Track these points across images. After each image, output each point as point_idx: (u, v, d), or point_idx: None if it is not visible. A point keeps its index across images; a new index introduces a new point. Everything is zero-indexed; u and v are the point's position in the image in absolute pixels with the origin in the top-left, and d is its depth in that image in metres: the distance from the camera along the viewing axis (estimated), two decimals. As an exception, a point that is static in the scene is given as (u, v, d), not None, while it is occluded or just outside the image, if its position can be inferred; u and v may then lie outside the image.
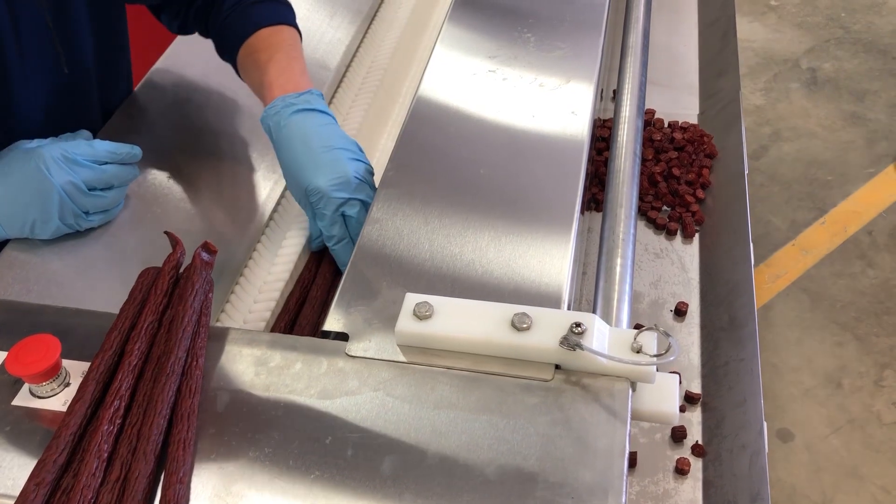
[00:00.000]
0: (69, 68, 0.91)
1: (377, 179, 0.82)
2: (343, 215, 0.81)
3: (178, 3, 1.01)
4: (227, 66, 1.01)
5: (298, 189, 0.83)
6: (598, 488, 0.54)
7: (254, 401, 0.61)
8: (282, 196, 0.94)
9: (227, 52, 0.99)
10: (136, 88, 1.07)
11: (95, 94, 0.98)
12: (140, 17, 1.09)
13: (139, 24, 1.11)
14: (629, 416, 0.59)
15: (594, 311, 0.72)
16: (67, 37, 0.89)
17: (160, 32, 1.10)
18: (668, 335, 0.59)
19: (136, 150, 0.88)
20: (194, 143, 1.00)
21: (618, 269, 0.72)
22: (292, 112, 0.85)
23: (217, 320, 0.81)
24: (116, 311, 0.66)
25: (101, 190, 0.85)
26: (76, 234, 0.85)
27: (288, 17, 0.98)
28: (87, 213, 0.84)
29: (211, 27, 1.00)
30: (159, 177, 0.94)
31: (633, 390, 0.62)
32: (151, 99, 1.05)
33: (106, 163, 0.85)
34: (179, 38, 1.13)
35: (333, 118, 0.88)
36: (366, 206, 0.82)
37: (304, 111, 0.85)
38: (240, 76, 0.99)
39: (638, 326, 1.01)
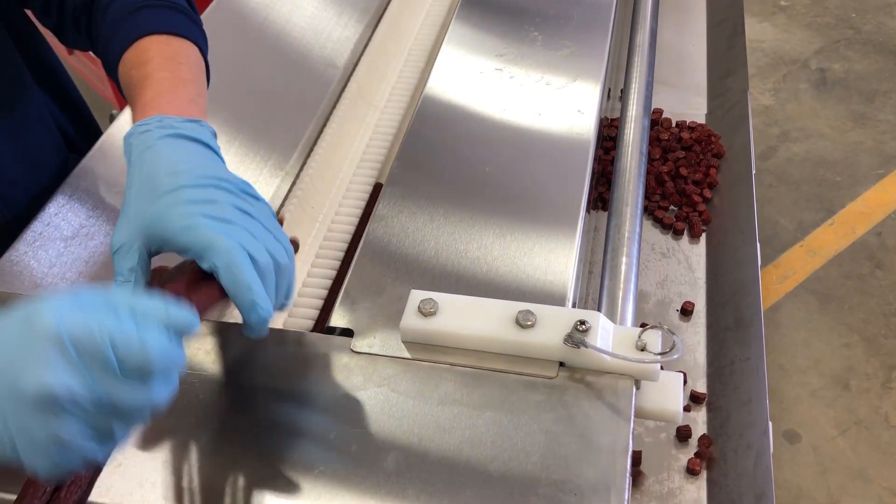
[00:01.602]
0: None
1: (382, 178, 0.82)
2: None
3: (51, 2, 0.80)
4: (228, 67, 1.00)
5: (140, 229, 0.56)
6: (600, 486, 0.55)
7: (258, 396, 0.61)
8: (288, 194, 0.95)
9: (110, 71, 0.74)
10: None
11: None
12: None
13: None
14: (633, 414, 0.59)
15: (599, 310, 0.72)
16: None
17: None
18: (672, 333, 0.59)
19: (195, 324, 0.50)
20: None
21: (623, 267, 0.72)
22: (166, 134, 0.59)
23: (223, 317, 0.81)
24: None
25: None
26: (83, 232, 0.86)
27: (184, 29, 0.72)
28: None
29: (94, 41, 0.78)
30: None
31: (638, 388, 0.62)
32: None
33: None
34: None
35: (221, 159, 0.62)
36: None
37: (182, 137, 0.59)
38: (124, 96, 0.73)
39: (643, 326, 1.02)
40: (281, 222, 0.58)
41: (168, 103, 0.63)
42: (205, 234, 0.53)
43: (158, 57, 0.68)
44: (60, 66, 1.01)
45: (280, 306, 0.58)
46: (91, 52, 0.83)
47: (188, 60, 0.70)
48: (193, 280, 0.55)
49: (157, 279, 0.56)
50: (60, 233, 0.85)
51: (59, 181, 0.90)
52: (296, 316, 0.77)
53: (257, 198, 0.59)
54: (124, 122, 1.02)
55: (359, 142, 1.04)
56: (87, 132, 1.07)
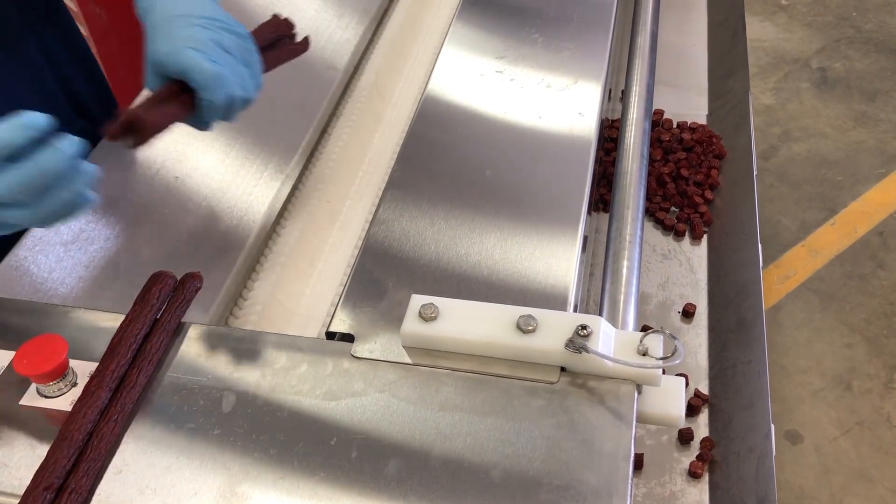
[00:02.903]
0: None
1: (384, 180, 0.82)
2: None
3: None
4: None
5: (150, 67, 0.71)
6: (602, 491, 0.54)
7: (259, 402, 0.61)
8: (290, 196, 0.94)
9: None
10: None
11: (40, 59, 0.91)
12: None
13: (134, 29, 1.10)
14: (635, 419, 0.58)
15: (600, 314, 0.72)
16: None
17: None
18: (674, 338, 0.59)
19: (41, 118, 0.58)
20: (201, 144, 1.00)
21: (624, 271, 0.72)
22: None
23: (225, 322, 0.81)
24: (123, 311, 0.66)
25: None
26: (85, 236, 0.85)
27: None
28: None
29: None
30: (167, 177, 0.95)
31: (639, 393, 0.61)
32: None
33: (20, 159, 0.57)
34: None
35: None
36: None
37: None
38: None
39: (645, 328, 1.01)
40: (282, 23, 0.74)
41: None
42: (184, 57, 0.68)
43: None
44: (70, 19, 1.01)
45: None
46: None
47: None
48: (166, 95, 0.70)
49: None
50: (60, 237, 0.85)
51: None
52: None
53: (238, 32, 0.73)
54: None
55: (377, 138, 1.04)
56: (99, 91, 1.06)
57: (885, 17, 2.98)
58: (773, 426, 0.89)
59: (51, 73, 0.97)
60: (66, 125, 0.94)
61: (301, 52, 0.83)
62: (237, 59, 0.72)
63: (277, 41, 0.82)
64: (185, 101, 0.70)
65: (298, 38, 0.85)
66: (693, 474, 0.91)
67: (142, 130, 0.69)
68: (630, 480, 0.55)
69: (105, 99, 1.07)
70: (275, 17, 0.82)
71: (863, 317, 2.01)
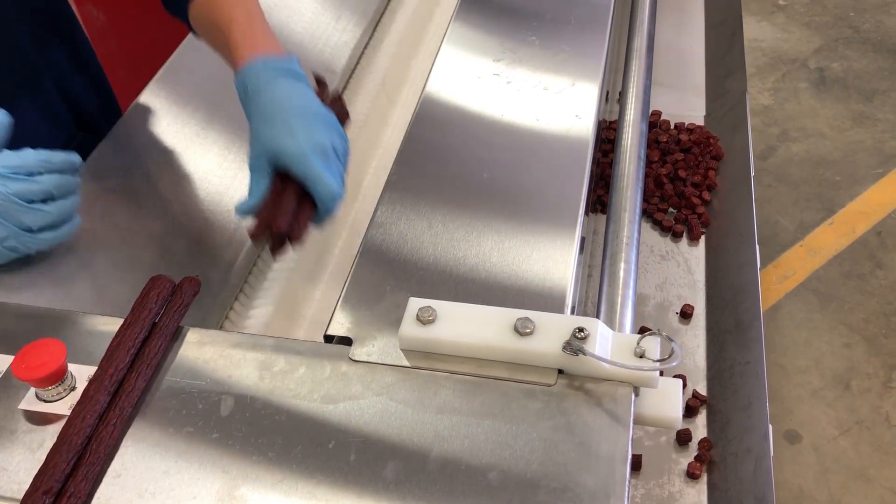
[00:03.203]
0: None
1: (381, 183, 0.82)
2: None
3: None
4: (227, 72, 1.00)
5: (265, 152, 0.75)
6: (600, 493, 0.54)
7: (257, 405, 0.61)
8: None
9: (175, 5, 0.89)
10: (147, 86, 1.07)
11: (47, 78, 0.94)
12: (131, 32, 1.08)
13: (132, 35, 1.10)
14: (632, 421, 0.59)
15: (598, 316, 0.72)
16: None
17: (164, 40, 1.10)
18: (671, 340, 0.59)
19: (75, 158, 0.80)
20: (198, 150, 1.00)
21: (621, 273, 0.72)
22: (272, 76, 0.77)
23: (221, 325, 0.81)
24: (121, 315, 0.66)
25: (42, 202, 0.76)
26: (81, 240, 0.85)
27: None
28: (30, 230, 0.77)
29: None
30: (165, 183, 0.95)
31: (637, 395, 0.62)
32: (154, 106, 1.06)
33: (40, 173, 0.76)
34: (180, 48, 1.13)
35: (309, 85, 0.82)
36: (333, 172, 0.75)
37: (283, 74, 0.77)
38: (193, 32, 0.91)
39: (643, 329, 1.02)
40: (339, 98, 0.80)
41: (258, 42, 0.80)
42: (312, 168, 0.72)
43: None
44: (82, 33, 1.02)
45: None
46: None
47: None
48: (294, 199, 0.74)
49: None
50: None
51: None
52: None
53: (342, 133, 0.78)
54: (120, 125, 1.02)
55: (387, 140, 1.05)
56: (104, 104, 1.07)
57: (882, 17, 2.98)
58: (770, 427, 0.89)
59: (58, 94, 0.98)
60: (68, 140, 0.94)
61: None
62: (342, 163, 0.76)
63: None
64: (309, 206, 0.74)
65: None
66: (691, 475, 0.91)
67: (286, 242, 0.73)
68: (627, 482, 0.55)
69: (108, 109, 1.07)
70: (340, 99, 0.87)
71: (861, 316, 2.01)
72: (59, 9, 0.97)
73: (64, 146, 0.95)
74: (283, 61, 0.78)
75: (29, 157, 0.76)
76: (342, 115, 0.87)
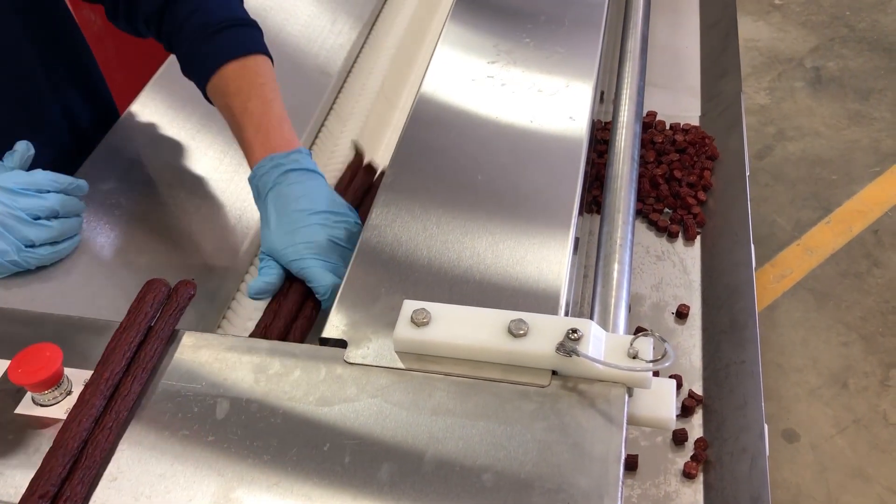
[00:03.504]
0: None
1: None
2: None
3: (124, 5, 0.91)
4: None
5: (269, 252, 0.80)
6: (593, 494, 0.55)
7: (253, 408, 0.61)
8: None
9: (195, 78, 0.90)
10: (142, 90, 1.08)
11: (47, 93, 0.96)
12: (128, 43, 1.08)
13: (128, 46, 1.11)
14: (625, 421, 0.59)
15: (591, 317, 0.72)
16: None
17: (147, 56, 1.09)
18: (664, 340, 0.59)
19: (82, 183, 0.85)
20: (194, 154, 1.00)
21: (615, 274, 0.72)
22: (280, 173, 0.80)
23: (218, 328, 0.81)
24: (117, 319, 0.66)
25: (47, 219, 0.81)
26: (79, 245, 0.86)
27: (257, 44, 0.89)
28: (33, 245, 0.81)
29: (174, 43, 0.90)
30: (161, 188, 0.95)
31: (630, 396, 0.62)
32: (150, 110, 1.06)
33: (48, 191, 0.82)
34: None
35: (321, 175, 0.84)
36: (338, 260, 0.79)
37: (290, 171, 0.81)
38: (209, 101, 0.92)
39: (639, 329, 1.02)
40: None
41: (267, 136, 0.82)
42: (306, 268, 0.77)
43: (246, 86, 0.84)
44: (89, 54, 1.04)
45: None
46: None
47: (266, 78, 0.86)
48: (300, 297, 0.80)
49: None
50: (55, 245, 0.85)
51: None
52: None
53: (349, 221, 0.81)
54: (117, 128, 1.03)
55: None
56: (103, 114, 1.09)
57: (878, 16, 2.99)
58: (766, 426, 0.89)
59: (65, 121, 0.99)
60: (65, 155, 0.96)
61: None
62: (348, 247, 0.80)
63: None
64: (313, 301, 0.79)
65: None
66: (687, 475, 0.91)
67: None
68: (621, 483, 0.55)
69: (107, 120, 1.07)
70: (371, 169, 0.95)
71: (858, 315, 2.02)
72: (63, 21, 0.98)
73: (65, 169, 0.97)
74: (291, 159, 0.81)
75: (39, 176, 0.81)
76: (368, 183, 0.93)
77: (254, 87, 0.84)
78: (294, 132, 0.84)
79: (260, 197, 0.81)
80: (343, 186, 0.96)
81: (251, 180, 0.82)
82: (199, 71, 0.87)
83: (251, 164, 0.83)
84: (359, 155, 1.03)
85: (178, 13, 0.87)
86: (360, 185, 0.96)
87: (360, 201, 0.93)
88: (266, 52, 0.89)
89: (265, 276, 0.78)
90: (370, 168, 1.00)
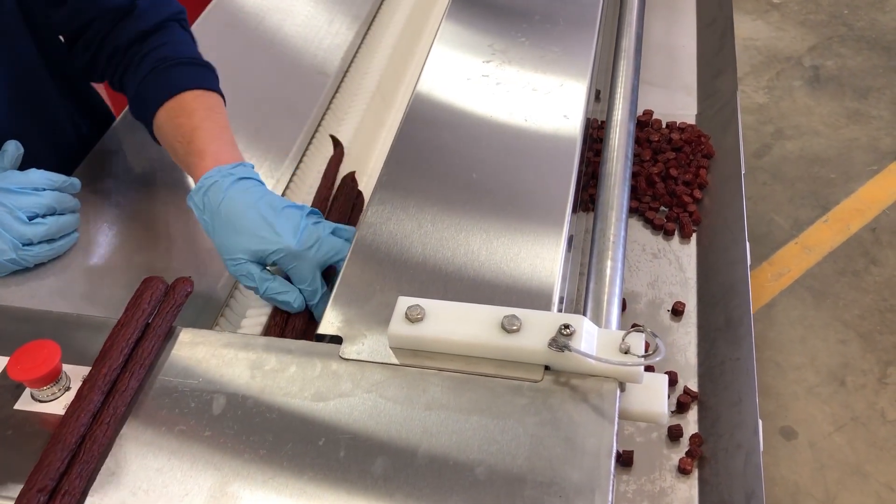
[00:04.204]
0: (17, 69, 0.89)
1: (371, 184, 0.83)
2: (320, 267, 0.78)
3: (90, 36, 0.92)
4: (220, 75, 1.01)
5: (249, 254, 0.77)
6: (585, 487, 0.55)
7: (249, 403, 0.62)
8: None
9: (144, 112, 0.91)
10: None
11: (59, 107, 0.98)
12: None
13: None
14: (616, 416, 0.59)
15: (584, 313, 0.73)
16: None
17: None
18: (655, 336, 0.60)
19: (75, 181, 0.86)
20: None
21: (608, 271, 0.73)
22: (233, 181, 0.79)
23: (215, 325, 0.82)
24: (115, 316, 0.67)
25: (43, 217, 0.83)
26: (77, 242, 0.86)
27: (211, 83, 0.91)
28: (30, 243, 0.82)
29: (127, 83, 0.93)
30: (159, 186, 0.96)
31: (622, 391, 0.63)
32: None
33: (44, 189, 0.83)
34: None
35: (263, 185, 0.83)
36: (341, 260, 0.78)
37: (244, 179, 0.80)
38: (154, 138, 0.92)
39: (634, 327, 1.02)
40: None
41: (220, 149, 0.82)
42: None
43: (201, 109, 0.86)
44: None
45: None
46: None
47: (220, 110, 0.88)
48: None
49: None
50: (54, 244, 0.86)
51: None
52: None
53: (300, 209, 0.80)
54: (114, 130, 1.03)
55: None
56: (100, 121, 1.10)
57: (876, 15, 2.99)
58: (760, 422, 0.90)
59: (65, 115, 1.00)
60: (71, 157, 0.97)
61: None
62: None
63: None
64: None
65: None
66: (682, 470, 0.92)
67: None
68: (612, 476, 0.56)
69: (104, 122, 1.08)
70: (352, 179, 0.99)
71: (856, 313, 2.02)
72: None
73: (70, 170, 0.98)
74: (243, 169, 0.81)
75: (34, 175, 0.83)
76: (352, 193, 0.95)
77: (209, 113, 0.86)
78: (242, 156, 0.85)
79: (208, 207, 0.78)
80: (325, 191, 0.97)
81: (195, 193, 0.80)
82: (153, 98, 0.88)
83: (199, 172, 0.81)
84: (339, 146, 1.03)
85: (145, 47, 0.90)
86: (345, 201, 0.96)
87: (347, 218, 0.94)
88: (221, 94, 0.92)
89: (254, 276, 0.76)
90: (353, 179, 1.00)
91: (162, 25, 0.91)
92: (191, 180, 0.96)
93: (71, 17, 0.91)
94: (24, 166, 0.86)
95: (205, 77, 0.90)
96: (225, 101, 0.91)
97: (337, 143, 1.04)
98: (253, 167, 0.83)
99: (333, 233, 0.79)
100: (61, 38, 0.96)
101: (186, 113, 0.85)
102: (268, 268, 0.78)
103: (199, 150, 0.81)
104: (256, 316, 0.82)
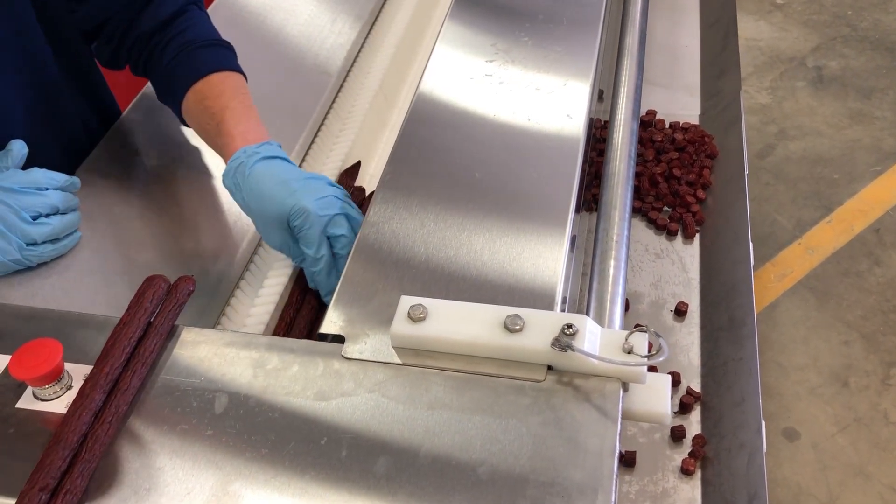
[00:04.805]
0: (36, 75, 0.91)
1: (374, 183, 0.83)
2: (329, 237, 0.79)
3: (112, 28, 0.94)
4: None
5: (276, 221, 0.80)
6: (588, 488, 0.55)
7: (251, 402, 0.62)
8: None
9: (171, 96, 0.94)
10: (143, 89, 1.08)
11: (70, 107, 0.98)
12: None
13: None
14: (620, 416, 0.59)
15: (587, 313, 0.73)
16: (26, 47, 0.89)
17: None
18: (658, 336, 0.60)
19: (75, 180, 0.87)
20: (194, 151, 1.01)
21: (611, 270, 0.73)
22: (258, 160, 0.82)
23: (217, 324, 0.82)
24: (117, 315, 0.67)
25: (47, 216, 0.83)
26: (79, 241, 0.86)
27: (234, 63, 0.95)
28: (35, 243, 0.82)
29: (152, 69, 0.96)
30: (161, 185, 0.96)
31: (625, 391, 0.62)
32: (150, 109, 1.06)
33: (47, 189, 0.83)
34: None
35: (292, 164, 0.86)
36: (352, 224, 0.81)
37: (269, 158, 0.82)
38: (182, 121, 0.96)
39: (637, 327, 1.02)
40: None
41: (247, 129, 0.85)
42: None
43: (227, 91, 0.89)
44: (98, 72, 1.06)
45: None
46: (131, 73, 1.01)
47: (244, 90, 0.91)
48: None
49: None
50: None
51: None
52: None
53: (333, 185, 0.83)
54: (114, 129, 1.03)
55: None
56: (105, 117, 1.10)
57: (880, 16, 2.98)
58: (763, 422, 0.89)
59: (74, 112, 1.00)
60: (80, 154, 0.98)
61: None
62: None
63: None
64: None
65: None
66: (685, 471, 0.91)
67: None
68: (615, 477, 0.56)
69: (110, 118, 1.08)
70: (361, 190, 1.00)
71: (859, 314, 2.02)
72: (71, 30, 0.99)
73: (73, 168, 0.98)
74: (271, 148, 0.83)
75: (38, 174, 0.83)
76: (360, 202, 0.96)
77: (235, 94, 0.89)
78: (269, 134, 0.87)
79: (240, 185, 0.81)
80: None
81: (227, 173, 0.83)
82: (180, 82, 0.91)
83: (228, 153, 0.84)
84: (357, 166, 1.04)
85: (168, 32, 0.93)
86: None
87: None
88: (242, 73, 0.95)
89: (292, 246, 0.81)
90: (360, 191, 1.01)
91: (182, 10, 0.94)
92: (191, 177, 0.96)
93: (94, 11, 0.93)
94: (34, 163, 0.86)
95: (227, 58, 0.94)
96: (246, 79, 0.94)
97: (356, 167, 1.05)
98: (280, 145, 0.85)
99: (346, 215, 0.81)
100: (79, 33, 0.97)
101: (214, 95, 0.89)
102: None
103: (228, 132, 0.85)
104: (259, 315, 0.82)
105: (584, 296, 1.01)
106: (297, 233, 0.79)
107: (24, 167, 0.86)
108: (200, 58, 0.91)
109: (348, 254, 0.74)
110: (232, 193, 0.83)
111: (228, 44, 0.96)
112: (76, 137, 1.00)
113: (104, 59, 0.98)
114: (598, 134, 1.23)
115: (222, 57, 0.93)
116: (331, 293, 0.71)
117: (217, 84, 0.90)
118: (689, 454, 0.93)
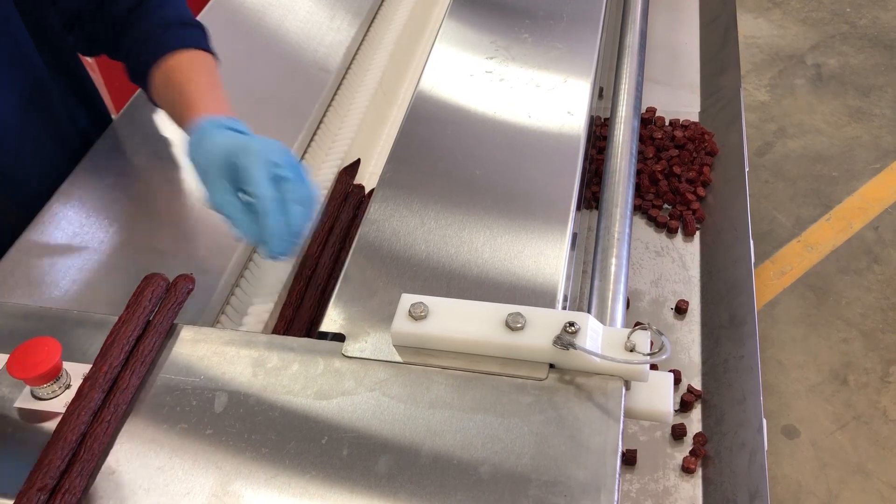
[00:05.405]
0: (25, 79, 0.90)
1: (374, 181, 0.83)
2: (274, 178, 0.73)
3: (88, 13, 0.94)
4: (221, 71, 1.00)
5: (221, 163, 0.74)
6: (590, 486, 0.55)
7: (251, 401, 0.62)
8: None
9: (140, 73, 0.92)
10: (131, 98, 1.08)
11: (60, 104, 0.98)
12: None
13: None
14: (622, 414, 0.59)
15: (589, 311, 0.72)
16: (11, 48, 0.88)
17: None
18: (660, 333, 0.59)
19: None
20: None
21: (612, 268, 0.72)
22: (223, 129, 0.78)
23: (217, 322, 0.81)
24: (116, 313, 0.66)
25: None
26: (75, 239, 0.86)
27: (204, 43, 0.93)
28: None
29: (122, 48, 0.94)
30: (160, 183, 0.95)
31: (628, 389, 0.62)
32: (147, 108, 1.06)
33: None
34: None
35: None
36: (301, 176, 0.75)
37: (234, 130, 0.79)
38: (151, 100, 0.94)
39: (638, 324, 1.02)
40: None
41: (211, 101, 0.83)
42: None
43: (195, 67, 0.88)
44: (82, 67, 1.05)
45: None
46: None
47: (213, 69, 0.91)
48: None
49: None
50: (53, 241, 0.86)
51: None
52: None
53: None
54: (114, 128, 1.03)
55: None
56: (97, 117, 1.09)
57: (878, 13, 2.98)
58: (764, 421, 0.89)
59: (66, 114, 1.00)
60: (75, 155, 0.97)
61: None
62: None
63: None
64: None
65: None
66: (686, 469, 0.91)
67: None
68: (618, 475, 0.56)
69: (101, 121, 1.08)
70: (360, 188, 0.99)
71: (858, 311, 2.02)
72: (62, 37, 0.99)
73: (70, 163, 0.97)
74: (231, 120, 0.80)
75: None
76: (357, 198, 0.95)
77: (202, 70, 0.89)
78: (233, 114, 0.84)
79: (197, 155, 0.77)
80: (336, 202, 0.97)
81: (191, 144, 0.78)
82: (148, 59, 0.90)
83: (189, 127, 0.80)
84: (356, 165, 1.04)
85: (140, 13, 0.93)
86: (348, 213, 0.96)
87: (347, 232, 0.94)
88: (214, 54, 0.93)
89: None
90: (360, 188, 1.00)
91: None
92: (190, 175, 0.96)
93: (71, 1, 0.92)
94: (28, 157, 0.85)
95: (197, 37, 0.93)
96: (218, 61, 0.93)
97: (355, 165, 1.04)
98: (245, 124, 0.81)
99: (295, 165, 0.76)
100: (60, 27, 0.96)
101: (179, 69, 0.88)
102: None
103: (190, 102, 0.83)
104: (258, 313, 0.82)
105: (585, 294, 1.01)
106: (240, 173, 0.73)
107: (19, 162, 0.85)
108: (170, 36, 0.91)
109: (297, 201, 0.71)
110: (193, 164, 0.78)
111: (200, 24, 0.95)
112: (68, 134, 1.00)
113: (81, 46, 0.98)
114: (599, 131, 1.22)
115: (192, 36, 0.92)
116: (276, 240, 0.68)
117: (184, 61, 0.89)
118: (690, 452, 0.93)
